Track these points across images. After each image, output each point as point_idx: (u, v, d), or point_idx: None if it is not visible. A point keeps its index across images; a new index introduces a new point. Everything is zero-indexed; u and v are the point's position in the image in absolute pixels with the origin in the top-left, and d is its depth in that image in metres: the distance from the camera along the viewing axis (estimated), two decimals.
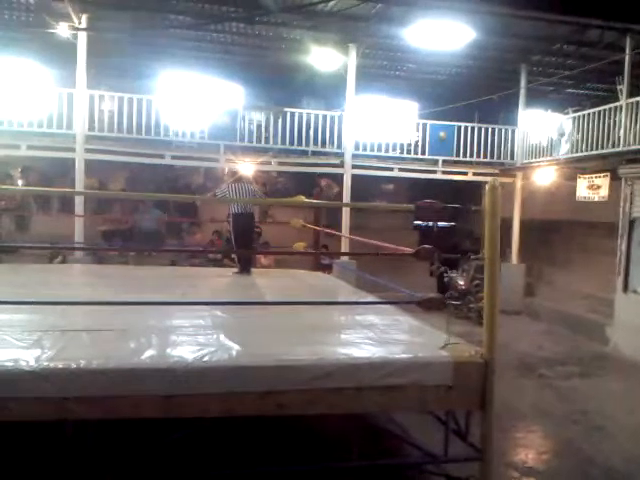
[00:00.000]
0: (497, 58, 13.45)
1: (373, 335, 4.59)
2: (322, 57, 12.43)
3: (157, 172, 14.14)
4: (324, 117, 13.00)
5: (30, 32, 11.98)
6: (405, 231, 15.05)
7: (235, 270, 8.60)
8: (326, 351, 4.10)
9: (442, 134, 13.69)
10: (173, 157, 12.52)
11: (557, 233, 14.33)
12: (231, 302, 5.54)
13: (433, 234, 15.79)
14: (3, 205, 13.24)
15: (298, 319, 4.86)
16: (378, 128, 13.48)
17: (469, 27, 10.60)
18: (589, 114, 11.87)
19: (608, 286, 10.89)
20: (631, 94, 10.96)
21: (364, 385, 3.80)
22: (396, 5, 10.78)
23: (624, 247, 10.53)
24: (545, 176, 13.05)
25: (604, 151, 11.20)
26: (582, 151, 11.97)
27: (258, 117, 12.97)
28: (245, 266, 8.46)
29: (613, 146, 10.97)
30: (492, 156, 13.91)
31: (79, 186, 11.47)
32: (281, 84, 14.12)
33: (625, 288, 10.44)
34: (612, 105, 11.27)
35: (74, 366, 3.45)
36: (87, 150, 11.68)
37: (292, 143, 12.88)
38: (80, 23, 11.17)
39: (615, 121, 11.07)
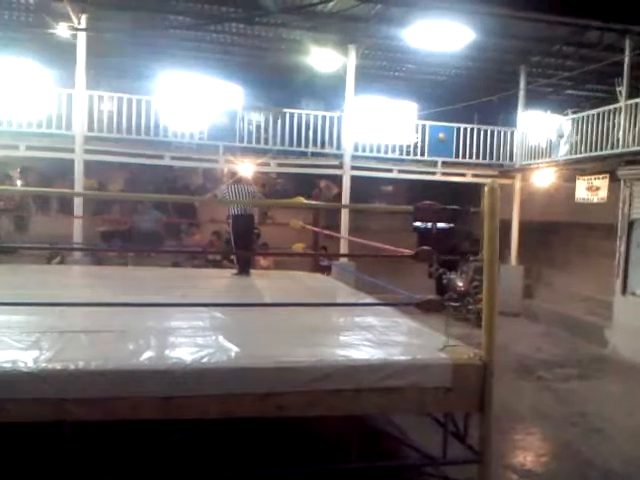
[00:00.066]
0: (496, 59, 13.45)
1: (372, 337, 4.59)
2: (321, 58, 12.43)
3: (156, 173, 14.12)
4: (323, 118, 13.00)
5: (30, 32, 11.99)
6: (404, 232, 15.04)
7: (234, 271, 8.60)
8: (325, 353, 4.10)
9: (441, 135, 13.69)
10: (172, 158, 12.51)
11: (556, 235, 14.33)
12: (230, 304, 5.53)
13: (432, 236, 15.76)
14: (2, 205, 13.23)
15: (297, 321, 4.86)
16: (377, 129, 13.48)
17: (468, 28, 10.61)
18: (588, 115, 11.87)
19: (607, 288, 10.87)
20: (630, 96, 10.97)
21: (363, 387, 3.80)
22: (396, 6, 10.78)
23: (623, 249, 10.53)
24: (544, 177, 13.05)
25: (603, 153, 11.20)
26: (581, 153, 11.97)
27: (257, 118, 12.97)
28: (244, 267, 8.46)
29: (612, 148, 10.97)
30: (491, 157, 13.91)
31: (78, 187, 11.47)
32: (280, 85, 14.12)
33: (624, 290, 10.43)
34: (611, 107, 11.27)
35: (72, 367, 3.44)
36: (86, 151, 11.67)
37: (291, 144, 12.87)
38: (80, 23, 11.17)
39: (614, 123, 11.07)
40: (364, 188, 13.57)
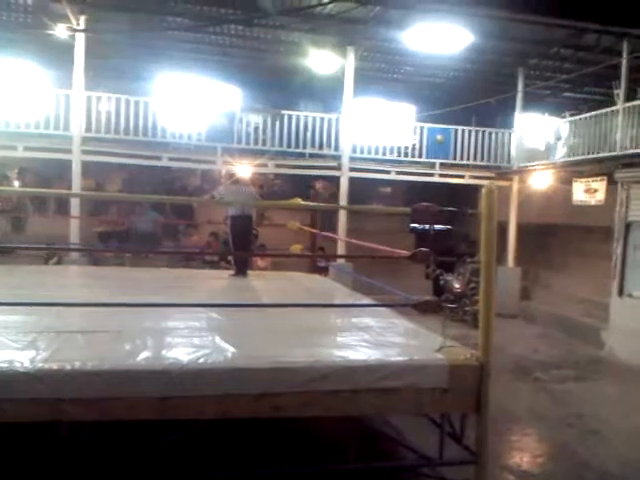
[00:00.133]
0: (495, 61, 13.49)
1: (369, 338, 4.59)
2: (320, 60, 12.46)
3: (154, 174, 14.13)
4: (321, 120, 13.02)
5: (28, 33, 12.01)
6: (401, 234, 15.05)
7: (231, 272, 8.60)
8: (322, 353, 4.10)
9: (439, 137, 13.72)
10: (170, 159, 12.52)
11: (553, 237, 14.35)
12: (227, 304, 5.53)
13: (429, 237, 15.75)
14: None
15: (294, 321, 4.86)
16: (375, 131, 13.50)
17: (467, 30, 10.64)
18: (586, 118, 11.91)
19: (604, 290, 10.90)
20: (628, 98, 11.02)
21: (360, 387, 3.80)
22: (394, 8, 10.80)
23: (620, 251, 10.55)
24: (542, 180, 13.07)
25: (601, 155, 11.24)
26: (579, 155, 12.01)
27: (256, 119, 12.98)
28: (241, 268, 8.45)
29: (610, 150, 11.01)
30: (489, 159, 13.95)
31: (76, 187, 11.48)
32: (279, 86, 14.13)
33: (620, 292, 10.45)
34: (609, 109, 11.31)
35: (69, 367, 3.43)
36: (84, 151, 11.68)
37: (289, 146, 12.89)
38: (78, 24, 11.18)
39: (612, 125, 11.11)
40: (362, 189, 13.60)
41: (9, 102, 11.45)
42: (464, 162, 13.81)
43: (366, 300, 6.49)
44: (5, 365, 3.40)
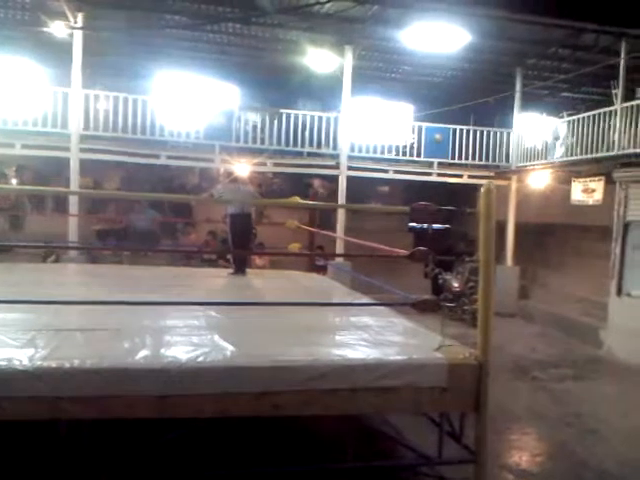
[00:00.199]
0: (493, 61, 13.49)
1: (368, 337, 4.59)
2: (318, 58, 12.44)
3: (152, 172, 14.10)
4: (320, 118, 13.01)
5: (25, 31, 11.97)
6: (400, 233, 15.04)
7: (230, 271, 8.59)
8: (321, 352, 4.09)
9: (437, 136, 13.72)
10: (168, 157, 12.50)
11: (552, 236, 14.36)
12: (225, 302, 5.52)
13: (428, 236, 15.71)
14: None
15: (293, 320, 4.85)
16: (374, 130, 13.50)
17: (465, 30, 10.64)
18: (584, 118, 11.91)
19: (602, 289, 10.91)
20: (626, 98, 11.02)
21: (359, 386, 3.80)
22: (392, 7, 10.80)
23: (618, 250, 10.56)
24: (540, 179, 13.08)
25: (599, 155, 11.25)
26: (577, 155, 12.02)
27: (254, 118, 12.97)
28: (240, 267, 8.45)
29: (608, 150, 11.01)
30: (487, 159, 13.95)
31: (74, 185, 11.45)
32: (277, 85, 14.12)
33: (619, 291, 10.47)
34: (607, 109, 11.32)
35: (68, 366, 3.43)
36: (82, 149, 11.66)
37: (288, 144, 12.88)
38: (76, 22, 11.17)
39: (610, 125, 11.12)
40: (360, 188, 13.60)
41: (7, 99, 11.42)
42: (462, 161, 13.81)
43: (365, 299, 6.49)
44: (4, 363, 3.40)
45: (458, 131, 13.69)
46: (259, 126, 12.90)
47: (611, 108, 11.22)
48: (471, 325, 7.91)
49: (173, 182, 15.64)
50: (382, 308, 5.68)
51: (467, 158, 13.79)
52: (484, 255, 4.00)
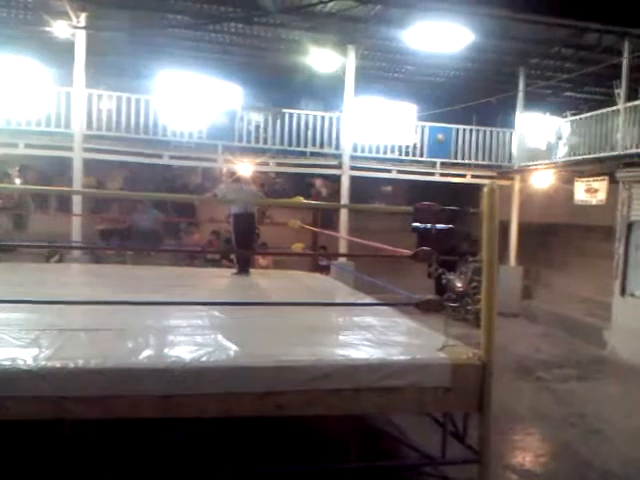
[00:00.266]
0: (495, 61, 13.47)
1: (371, 337, 4.59)
2: (321, 58, 12.44)
3: (155, 172, 14.12)
4: (322, 118, 13.02)
5: (28, 30, 11.97)
6: (403, 233, 15.01)
7: (234, 271, 8.59)
8: (324, 352, 4.09)
9: (440, 136, 13.71)
10: (171, 157, 12.51)
11: (555, 236, 14.34)
12: (229, 302, 5.53)
13: (431, 236, 15.68)
14: (1, 204, 13.25)
15: (296, 320, 4.85)
16: (376, 130, 13.50)
17: (468, 30, 10.63)
18: (587, 118, 11.90)
19: (606, 289, 10.89)
20: (629, 98, 11.00)
21: (362, 386, 3.80)
22: (395, 7, 10.79)
23: (622, 250, 10.54)
24: (543, 179, 13.06)
25: (602, 155, 11.23)
26: (580, 155, 12.00)
27: (256, 118, 12.97)
28: (244, 267, 8.44)
29: (611, 150, 11.00)
30: (490, 159, 13.94)
31: (77, 185, 11.47)
32: (280, 85, 14.11)
33: (623, 291, 10.44)
34: (610, 109, 11.31)
35: (72, 365, 3.43)
36: (85, 149, 11.67)
37: (290, 144, 12.89)
38: (79, 22, 11.18)
39: (613, 125, 11.10)
40: (363, 188, 13.59)
41: (10, 99, 11.44)
42: (465, 161, 13.81)
43: (368, 299, 6.49)
44: (8, 363, 3.41)
45: (461, 131, 13.69)
46: (262, 126, 12.90)
47: (614, 108, 11.20)
48: (474, 325, 7.91)
49: (176, 182, 15.66)
50: (385, 308, 5.67)
51: (470, 158, 13.79)
52: (487, 255, 4.00)
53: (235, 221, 8.50)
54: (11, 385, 3.34)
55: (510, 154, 14.06)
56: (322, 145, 13.09)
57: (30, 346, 3.72)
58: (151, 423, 3.79)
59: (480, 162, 13.88)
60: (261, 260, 12.70)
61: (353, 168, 13.04)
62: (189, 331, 4.45)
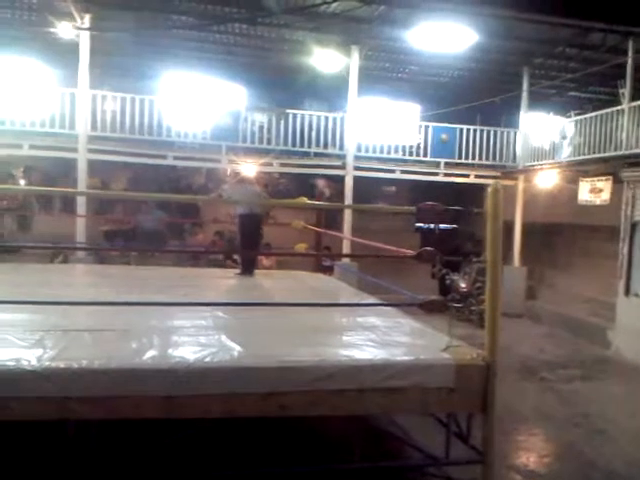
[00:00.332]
0: (499, 61, 13.46)
1: (375, 337, 4.58)
2: (324, 59, 12.44)
3: (159, 172, 14.15)
4: (326, 119, 13.03)
5: (33, 31, 12.01)
6: (407, 233, 15.05)
7: (237, 271, 8.59)
8: (328, 353, 4.09)
9: (444, 136, 13.70)
10: (175, 158, 12.55)
11: (559, 236, 14.31)
12: (233, 303, 5.53)
13: (435, 236, 15.72)
14: (5, 205, 13.26)
15: (300, 320, 4.86)
16: (380, 130, 13.50)
17: (472, 30, 10.62)
18: (591, 117, 11.87)
19: (610, 289, 10.86)
20: (633, 98, 10.97)
21: (366, 387, 3.80)
22: (399, 7, 10.79)
23: (626, 250, 10.51)
24: (547, 179, 13.03)
25: (606, 154, 11.20)
26: (584, 154, 11.97)
27: (260, 118, 12.99)
28: (248, 267, 8.45)
29: (615, 149, 10.97)
30: (494, 159, 13.93)
31: (81, 186, 11.50)
32: (283, 85, 14.13)
33: (627, 292, 10.41)
34: (614, 109, 11.28)
35: (76, 366, 3.44)
36: (89, 150, 11.70)
37: (294, 144, 12.91)
38: (83, 23, 11.21)
39: (617, 124, 11.07)
40: (367, 188, 13.59)
41: (14, 100, 11.47)
42: (469, 161, 13.80)
43: (372, 299, 6.48)
44: (12, 363, 3.41)
45: (465, 131, 13.68)
46: (265, 126, 12.93)
47: (618, 107, 11.17)
48: (478, 326, 7.92)
49: (180, 182, 15.69)
50: (389, 309, 5.68)
51: (474, 158, 13.78)
52: (491, 255, 3.99)
53: (241, 222, 8.50)
54: (15, 386, 3.35)
55: (514, 154, 14.04)
56: (326, 145, 13.10)
57: (34, 347, 3.73)
58: (155, 423, 3.79)
59: (484, 162, 13.87)
60: (264, 260, 12.69)
61: (357, 168, 13.05)
62: (193, 332, 4.45)
